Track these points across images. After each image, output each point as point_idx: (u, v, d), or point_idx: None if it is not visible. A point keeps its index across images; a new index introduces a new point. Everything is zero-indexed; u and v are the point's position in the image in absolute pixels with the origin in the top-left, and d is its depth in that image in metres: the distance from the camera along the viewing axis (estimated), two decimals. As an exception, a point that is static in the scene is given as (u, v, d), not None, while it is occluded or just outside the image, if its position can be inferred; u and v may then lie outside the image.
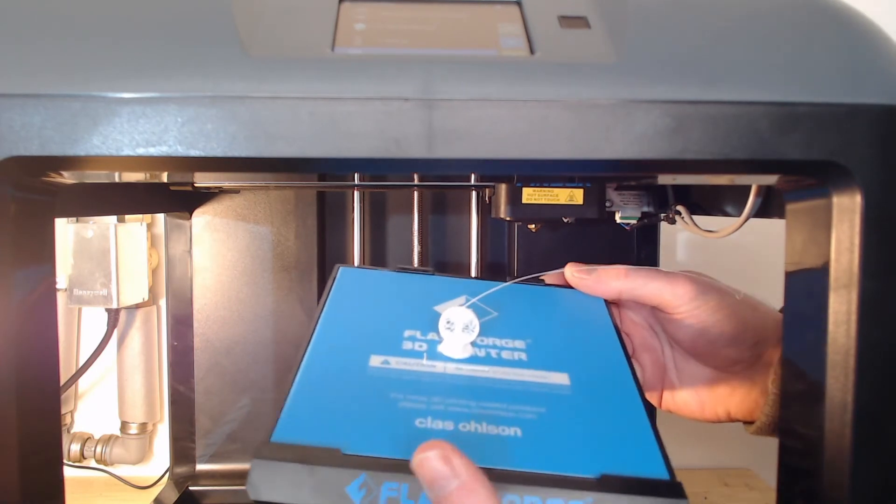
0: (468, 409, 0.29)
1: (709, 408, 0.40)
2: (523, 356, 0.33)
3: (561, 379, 0.32)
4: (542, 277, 0.43)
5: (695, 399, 0.41)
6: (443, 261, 0.72)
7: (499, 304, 0.38)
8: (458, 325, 0.33)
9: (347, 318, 0.35)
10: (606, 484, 0.25)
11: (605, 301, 0.40)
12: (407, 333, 0.34)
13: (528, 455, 0.27)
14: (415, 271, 0.41)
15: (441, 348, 0.33)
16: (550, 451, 0.27)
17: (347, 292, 0.37)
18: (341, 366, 0.31)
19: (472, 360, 0.33)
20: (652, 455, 0.28)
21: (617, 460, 0.27)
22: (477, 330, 0.33)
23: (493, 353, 0.34)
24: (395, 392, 0.29)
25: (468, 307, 0.34)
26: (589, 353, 0.34)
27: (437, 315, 0.35)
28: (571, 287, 0.41)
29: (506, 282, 0.40)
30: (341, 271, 0.39)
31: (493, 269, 0.72)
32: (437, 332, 0.34)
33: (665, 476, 0.27)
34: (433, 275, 0.41)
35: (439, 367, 0.32)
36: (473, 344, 0.34)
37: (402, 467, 0.25)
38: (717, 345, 0.38)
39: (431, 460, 0.24)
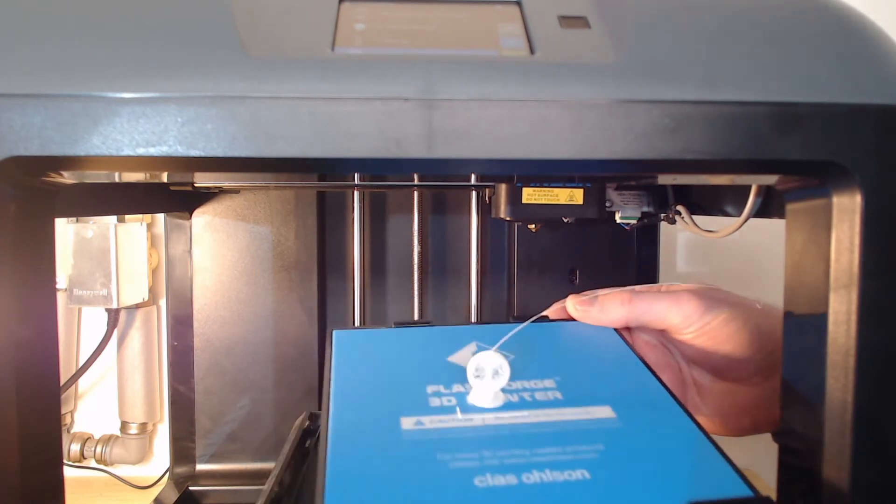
0: (525, 459, 0.27)
1: (733, 422, 0.39)
2: (558, 395, 0.32)
3: (605, 413, 0.30)
4: (545, 314, 0.42)
5: (718, 414, 0.39)
6: (443, 261, 0.72)
7: (512, 347, 0.36)
8: (487, 372, 0.31)
9: (360, 384, 0.32)
10: None
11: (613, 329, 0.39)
12: (430, 389, 0.32)
13: (605, 496, 0.25)
14: (414, 325, 0.39)
15: (471, 399, 0.31)
16: (627, 489, 0.25)
17: (350, 357, 0.35)
18: (372, 434, 0.28)
19: (507, 406, 0.31)
20: (726, 474, 0.27)
21: (696, 486, 0.26)
22: (507, 374, 0.31)
23: (527, 396, 0.32)
24: (440, 453, 0.27)
25: (496, 351, 0.32)
26: (619, 381, 0.33)
27: (455, 366, 0.33)
28: (574, 320, 0.40)
29: (511, 323, 0.39)
30: (336, 336, 0.37)
31: (496, 271, 0.72)
32: (461, 383, 0.32)
33: (749, 493, 0.25)
34: (433, 326, 0.39)
35: (477, 419, 0.30)
36: (503, 390, 0.32)
37: None
38: (733, 358, 0.37)
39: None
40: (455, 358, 0.35)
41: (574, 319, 0.40)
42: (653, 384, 0.33)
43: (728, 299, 0.38)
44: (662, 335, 0.41)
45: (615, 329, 0.39)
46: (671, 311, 0.37)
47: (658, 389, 0.33)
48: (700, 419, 0.39)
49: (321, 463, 0.27)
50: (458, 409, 0.31)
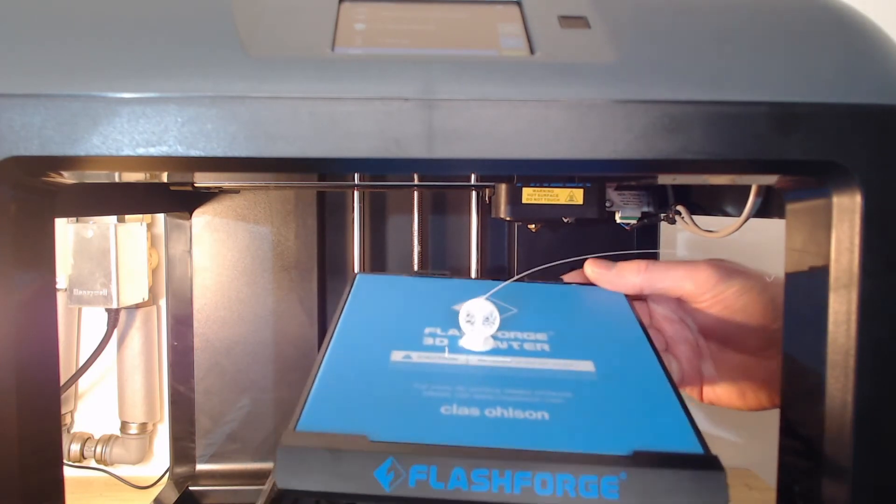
0: (493, 396, 0.29)
1: (750, 396, 0.40)
2: (546, 347, 0.33)
3: (586, 366, 0.32)
4: (561, 277, 0.43)
5: (735, 388, 0.40)
6: (443, 261, 0.72)
7: (518, 301, 0.38)
8: (478, 318, 0.33)
9: (366, 320, 0.35)
10: (639, 460, 0.25)
11: (626, 296, 0.40)
12: (427, 330, 0.34)
13: (557, 436, 0.26)
14: (431, 274, 0.42)
15: (462, 342, 0.33)
16: (580, 432, 0.27)
17: (365, 296, 0.38)
18: (363, 361, 0.31)
19: (493, 352, 0.33)
20: (684, 431, 0.27)
21: (648, 438, 0.27)
22: (497, 322, 0.33)
23: (515, 345, 0.34)
24: (418, 383, 0.29)
25: (487, 299, 0.34)
26: (612, 341, 0.34)
27: (456, 313, 0.35)
28: (591, 284, 0.41)
29: (520, 275, 0.41)
30: (359, 277, 0.40)
31: (496, 271, 0.72)
32: (457, 328, 0.34)
33: (699, 450, 0.26)
34: (450, 278, 0.42)
35: (461, 359, 0.32)
36: (494, 337, 0.34)
37: (429, 451, 0.25)
38: (747, 329, 0.38)
39: None
40: (459, 306, 0.37)
41: (590, 284, 0.41)
42: (643, 345, 0.34)
43: (743, 271, 0.38)
44: (679, 307, 0.42)
45: (627, 298, 0.40)
46: (686, 279, 0.38)
47: (646, 350, 0.34)
48: (718, 393, 0.41)
49: (310, 378, 0.29)
50: (446, 349, 0.33)
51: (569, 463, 0.25)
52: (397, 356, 0.32)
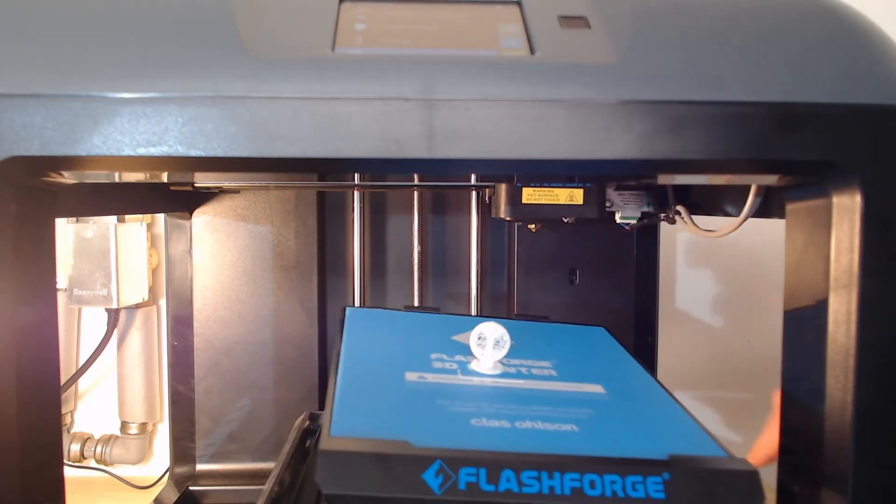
0: (518, 412, 0.28)
1: None
2: (553, 372, 0.33)
3: (596, 388, 0.32)
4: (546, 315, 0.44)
5: None
6: (443, 261, 0.72)
7: (514, 335, 0.38)
8: (489, 340, 0.33)
9: (370, 348, 0.34)
10: (678, 462, 0.26)
11: (607, 329, 0.40)
12: (434, 356, 0.34)
13: (592, 445, 0.27)
14: (422, 310, 0.42)
15: (473, 365, 0.33)
16: (612, 442, 0.27)
17: (361, 328, 0.37)
18: (378, 380, 0.30)
19: (504, 375, 0.33)
20: (704, 439, 0.28)
21: (676, 445, 0.27)
22: (508, 346, 0.33)
23: (524, 370, 0.34)
24: (440, 399, 0.29)
25: (498, 322, 0.34)
26: (610, 368, 0.35)
27: (458, 343, 0.35)
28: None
29: (513, 319, 0.41)
30: (349, 311, 0.40)
31: (496, 272, 0.72)
32: (463, 354, 0.34)
33: (724, 455, 0.27)
34: (440, 313, 0.42)
35: (475, 381, 0.32)
36: (502, 363, 0.34)
37: (477, 454, 0.24)
38: None
39: None
40: (459, 337, 0.37)
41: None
42: (642, 373, 0.35)
43: None
44: None
45: (608, 331, 0.40)
46: None
47: (647, 377, 0.35)
48: None
49: (329, 399, 0.28)
50: (458, 371, 0.33)
51: (613, 465, 0.25)
52: (412, 376, 0.31)
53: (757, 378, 0.77)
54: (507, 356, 0.34)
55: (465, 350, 0.34)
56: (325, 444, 0.24)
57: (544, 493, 0.24)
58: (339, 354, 0.33)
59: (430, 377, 0.31)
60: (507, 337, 0.33)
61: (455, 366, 0.33)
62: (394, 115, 0.24)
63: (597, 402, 0.31)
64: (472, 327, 0.36)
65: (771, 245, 0.81)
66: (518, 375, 0.33)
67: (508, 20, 0.28)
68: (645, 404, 0.31)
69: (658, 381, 0.34)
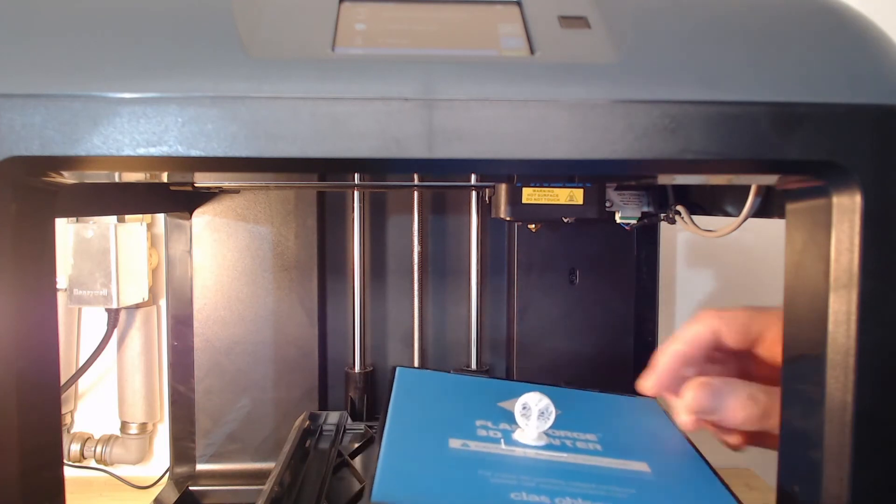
0: (559, 487, 0.28)
1: None
2: (598, 447, 0.33)
3: (641, 466, 0.32)
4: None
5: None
6: (443, 261, 0.72)
7: (560, 405, 0.38)
8: (534, 411, 0.33)
9: (416, 410, 0.35)
10: None
11: (656, 400, 0.39)
12: (478, 423, 0.34)
13: None
14: (472, 373, 0.43)
15: (516, 435, 0.33)
16: None
17: (410, 389, 0.37)
18: (422, 445, 0.30)
19: (548, 447, 0.32)
20: None
21: None
22: (553, 417, 0.33)
23: (568, 442, 0.33)
24: (482, 469, 0.29)
25: (543, 394, 0.34)
26: (658, 444, 0.35)
27: (504, 410, 0.35)
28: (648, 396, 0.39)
29: (563, 387, 0.41)
30: (399, 371, 0.40)
31: (496, 271, 0.72)
32: (508, 423, 0.34)
33: None
34: (491, 378, 0.42)
35: (519, 451, 0.32)
36: (546, 434, 0.34)
37: None
38: None
39: None
40: (505, 404, 0.37)
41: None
42: (690, 451, 0.35)
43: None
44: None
45: (658, 402, 0.39)
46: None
47: (694, 456, 0.34)
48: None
49: (373, 462, 0.28)
50: (502, 440, 0.32)
51: None
52: (455, 443, 0.31)
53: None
54: (552, 426, 0.34)
55: (511, 417, 0.34)
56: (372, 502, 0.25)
57: None
58: (385, 413, 0.33)
59: (474, 445, 0.31)
60: (551, 408, 0.33)
61: (499, 434, 0.33)
62: (394, 115, 0.24)
63: (641, 482, 0.30)
64: (520, 392, 0.36)
65: (771, 245, 0.81)
66: (562, 448, 0.33)
67: (508, 20, 0.28)
68: (689, 486, 0.31)
69: (706, 461, 0.34)
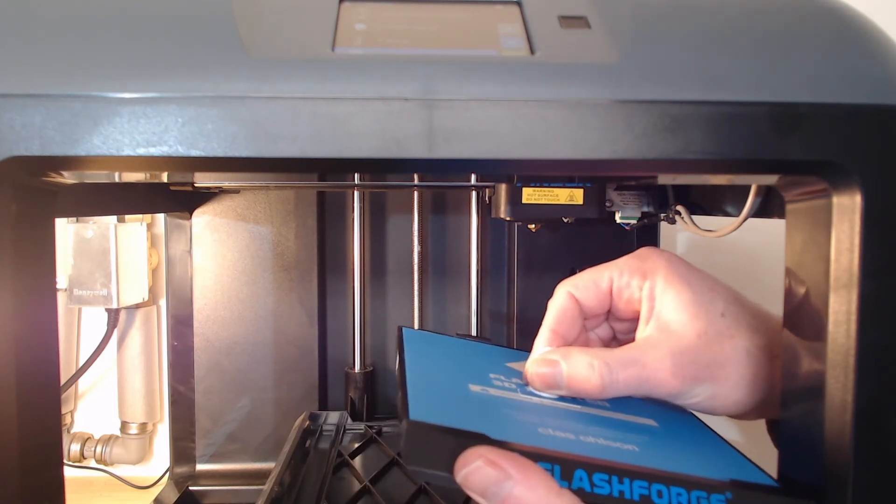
0: (581, 429, 0.29)
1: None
2: (607, 404, 0.34)
3: (648, 421, 0.33)
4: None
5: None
6: (443, 261, 0.72)
7: None
8: None
9: (431, 363, 0.35)
10: (740, 485, 0.27)
11: None
12: (493, 376, 0.34)
13: (654, 461, 0.27)
14: (476, 339, 0.43)
15: (530, 388, 0.34)
16: (671, 463, 0.27)
17: (421, 347, 0.38)
18: (445, 389, 0.31)
19: (562, 399, 0.33)
20: (757, 472, 0.29)
21: (733, 473, 0.28)
22: None
23: (579, 404, 0.34)
24: (506, 409, 0.29)
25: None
26: (662, 407, 0.35)
27: (512, 370, 0.36)
28: None
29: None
30: (406, 331, 0.40)
31: (496, 271, 0.72)
32: (520, 379, 0.34)
33: (778, 486, 0.28)
34: (494, 345, 0.43)
35: (536, 399, 0.32)
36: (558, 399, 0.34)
37: (551, 453, 0.25)
38: (742, 404, 0.32)
39: (480, 470, 0.23)
40: (513, 364, 0.37)
41: None
42: (691, 417, 0.36)
43: (719, 348, 0.32)
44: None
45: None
46: (658, 393, 0.32)
47: (696, 420, 0.35)
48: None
49: (400, 398, 0.28)
50: (518, 391, 0.33)
51: (680, 479, 0.26)
52: (476, 388, 0.31)
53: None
54: None
55: (521, 376, 0.35)
56: (412, 422, 0.25)
57: (614, 496, 0.25)
58: (402, 365, 0.33)
59: (493, 391, 0.32)
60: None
61: (514, 386, 0.33)
62: (394, 115, 0.24)
63: (652, 431, 0.31)
64: (525, 357, 0.36)
65: (771, 245, 0.81)
66: (575, 402, 0.33)
67: (508, 20, 0.28)
68: (698, 439, 0.32)
69: (705, 424, 0.35)
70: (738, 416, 0.34)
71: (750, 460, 0.31)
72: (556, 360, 0.33)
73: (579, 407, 0.32)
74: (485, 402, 0.30)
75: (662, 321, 0.33)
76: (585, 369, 0.32)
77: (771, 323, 0.33)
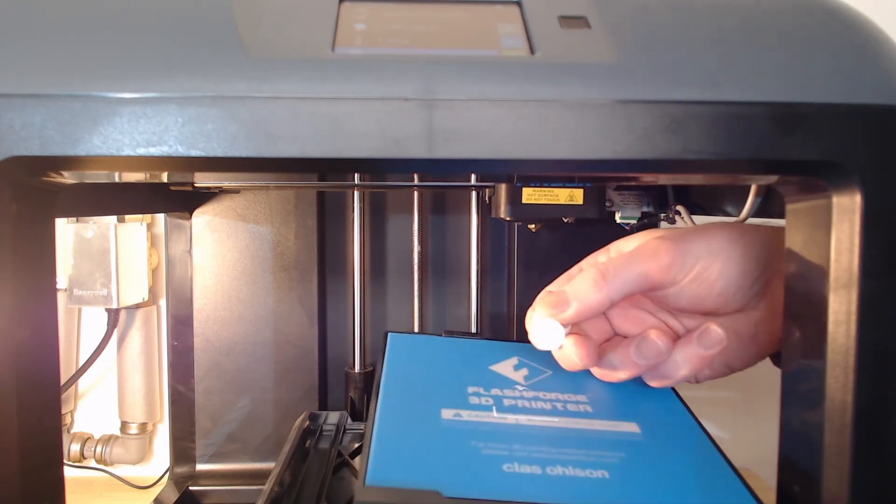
0: (551, 455, 0.29)
1: (741, 357, 0.37)
2: (588, 408, 0.34)
3: (631, 427, 0.32)
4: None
5: (721, 356, 0.37)
6: (443, 261, 0.72)
7: (551, 365, 0.38)
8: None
9: (409, 378, 0.35)
10: None
11: None
12: (471, 390, 0.34)
13: (621, 494, 0.27)
14: (462, 335, 0.43)
15: (507, 402, 0.34)
16: (642, 491, 0.27)
17: (402, 356, 0.38)
18: (415, 418, 0.31)
19: (540, 412, 0.33)
20: (739, 491, 0.29)
21: (707, 497, 0.28)
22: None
23: (559, 405, 0.34)
24: (474, 441, 0.29)
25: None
26: (648, 404, 0.35)
27: (495, 374, 0.36)
28: None
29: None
30: (391, 336, 0.41)
31: (496, 272, 0.72)
32: (499, 388, 0.35)
33: None
34: (480, 339, 0.43)
35: (511, 419, 0.32)
36: (537, 398, 0.34)
37: None
38: (728, 293, 0.35)
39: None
40: (497, 367, 0.38)
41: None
42: (679, 408, 0.35)
43: (704, 234, 0.35)
44: (642, 301, 0.39)
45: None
46: (651, 269, 0.34)
47: (685, 415, 0.35)
48: (707, 372, 0.38)
49: (367, 434, 0.29)
50: (494, 408, 0.33)
51: None
52: (447, 414, 0.32)
53: (756, 377, 0.77)
54: (543, 389, 0.35)
55: (502, 382, 0.35)
56: (360, 495, 0.25)
57: None
58: (378, 384, 0.34)
59: (466, 415, 0.32)
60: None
61: (491, 401, 0.34)
62: (394, 115, 0.24)
63: (630, 444, 0.31)
64: (511, 355, 0.36)
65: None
66: (553, 412, 0.33)
67: (508, 20, 0.28)
68: (680, 448, 0.31)
69: (697, 420, 0.34)
70: (727, 313, 0.36)
71: (738, 475, 0.30)
72: (560, 290, 0.35)
73: (556, 420, 0.32)
74: (453, 434, 0.30)
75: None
76: (586, 279, 0.35)
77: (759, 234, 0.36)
